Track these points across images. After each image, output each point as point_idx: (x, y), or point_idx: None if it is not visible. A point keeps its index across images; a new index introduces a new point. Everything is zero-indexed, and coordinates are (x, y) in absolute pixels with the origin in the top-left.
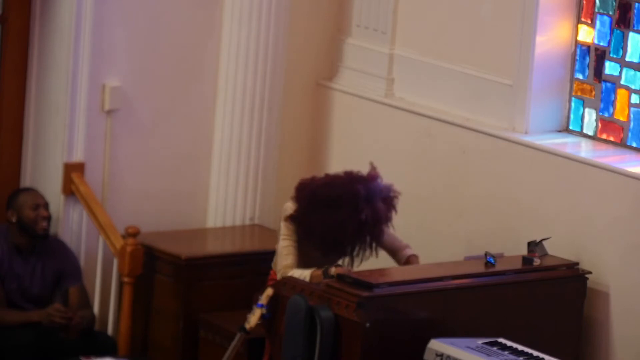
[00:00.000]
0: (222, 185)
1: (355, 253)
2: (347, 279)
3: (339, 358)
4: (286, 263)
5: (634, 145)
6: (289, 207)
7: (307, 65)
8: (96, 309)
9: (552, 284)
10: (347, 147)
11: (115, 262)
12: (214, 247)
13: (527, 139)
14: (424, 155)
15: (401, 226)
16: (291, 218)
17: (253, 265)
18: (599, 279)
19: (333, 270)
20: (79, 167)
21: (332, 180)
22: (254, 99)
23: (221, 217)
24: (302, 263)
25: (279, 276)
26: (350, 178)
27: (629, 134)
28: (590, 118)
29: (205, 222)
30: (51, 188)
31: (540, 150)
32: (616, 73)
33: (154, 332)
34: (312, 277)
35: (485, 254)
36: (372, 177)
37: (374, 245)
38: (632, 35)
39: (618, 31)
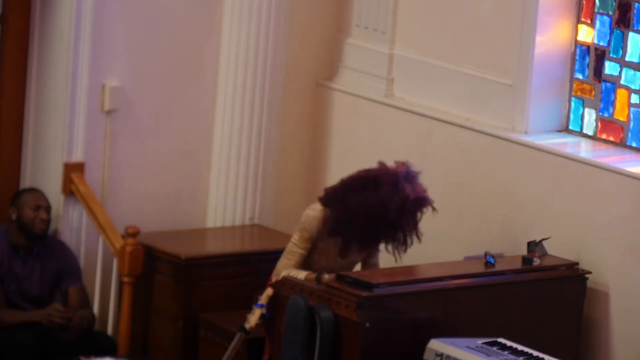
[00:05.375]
0: (222, 185)
1: (396, 241)
2: (347, 279)
3: (339, 358)
4: (285, 264)
5: (634, 145)
6: (311, 212)
7: (307, 65)
8: (96, 309)
9: (552, 284)
10: (347, 147)
11: (115, 262)
12: (213, 247)
13: (527, 139)
14: (424, 155)
15: None
16: (326, 202)
17: (253, 265)
18: (599, 279)
19: (326, 278)
20: (78, 167)
21: (365, 171)
22: (254, 99)
23: (221, 217)
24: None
25: (275, 274)
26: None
27: (629, 134)
28: (590, 118)
29: (205, 222)
30: (51, 188)
31: (540, 150)
32: (616, 73)
33: (154, 332)
34: (306, 279)
35: (485, 254)
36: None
37: (414, 230)
38: (631, 35)
39: (618, 31)
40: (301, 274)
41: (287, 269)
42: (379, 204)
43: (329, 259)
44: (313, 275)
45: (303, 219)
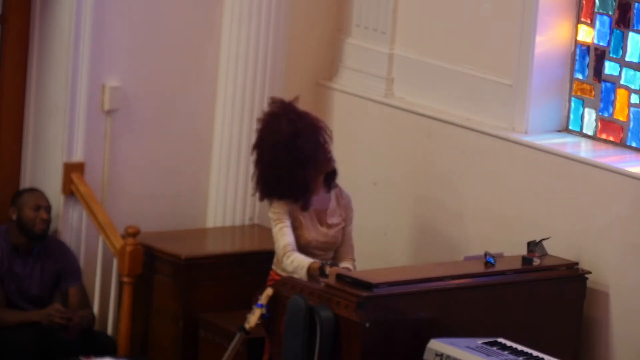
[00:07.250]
0: (221, 185)
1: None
2: (346, 279)
3: (339, 358)
4: (285, 242)
5: (634, 145)
6: (272, 205)
7: (307, 65)
8: (96, 309)
9: (551, 284)
10: (347, 147)
11: (115, 262)
12: (213, 247)
13: (527, 139)
14: (424, 155)
15: (401, 226)
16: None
17: (253, 265)
18: (599, 279)
19: (328, 270)
20: (78, 167)
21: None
22: (254, 99)
23: (221, 217)
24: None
25: (280, 256)
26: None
27: (629, 134)
28: (590, 118)
29: (205, 222)
30: (51, 188)
31: (540, 150)
32: (616, 73)
33: (154, 332)
34: (310, 268)
35: (485, 254)
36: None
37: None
38: (631, 35)
39: (618, 31)
40: (305, 262)
41: (288, 245)
42: (286, 151)
43: (310, 230)
44: (317, 264)
45: (270, 212)
